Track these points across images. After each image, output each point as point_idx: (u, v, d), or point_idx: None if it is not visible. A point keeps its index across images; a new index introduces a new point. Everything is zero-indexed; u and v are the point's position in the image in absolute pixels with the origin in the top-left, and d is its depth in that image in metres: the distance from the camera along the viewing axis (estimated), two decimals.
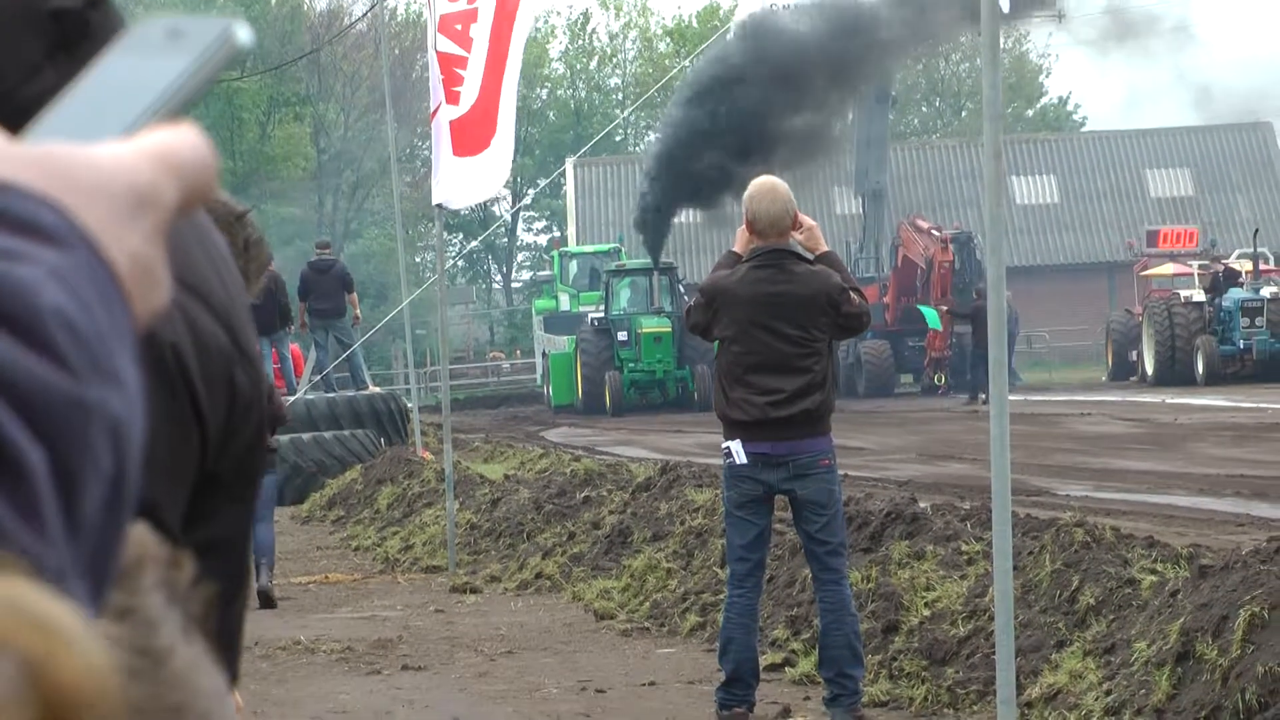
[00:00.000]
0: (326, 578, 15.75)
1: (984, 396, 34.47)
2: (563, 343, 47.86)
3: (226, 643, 1.51)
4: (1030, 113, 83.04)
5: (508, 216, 76.65)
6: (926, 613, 9.91)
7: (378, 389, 26.37)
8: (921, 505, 11.95)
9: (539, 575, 14.34)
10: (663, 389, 44.82)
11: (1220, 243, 54.12)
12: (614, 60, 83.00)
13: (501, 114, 14.36)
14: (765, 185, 8.73)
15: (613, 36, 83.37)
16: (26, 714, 0.66)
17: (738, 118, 40.31)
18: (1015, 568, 8.35)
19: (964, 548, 10.70)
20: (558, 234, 72.81)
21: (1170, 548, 9.59)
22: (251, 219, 2.22)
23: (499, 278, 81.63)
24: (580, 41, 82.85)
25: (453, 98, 14.52)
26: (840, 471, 9.15)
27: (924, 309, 46.32)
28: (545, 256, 66.43)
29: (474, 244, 70.70)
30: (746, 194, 8.70)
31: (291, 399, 23.19)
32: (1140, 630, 8.24)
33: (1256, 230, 50.63)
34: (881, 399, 44.72)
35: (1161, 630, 7.98)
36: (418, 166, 68.11)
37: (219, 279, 1.50)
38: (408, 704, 10.16)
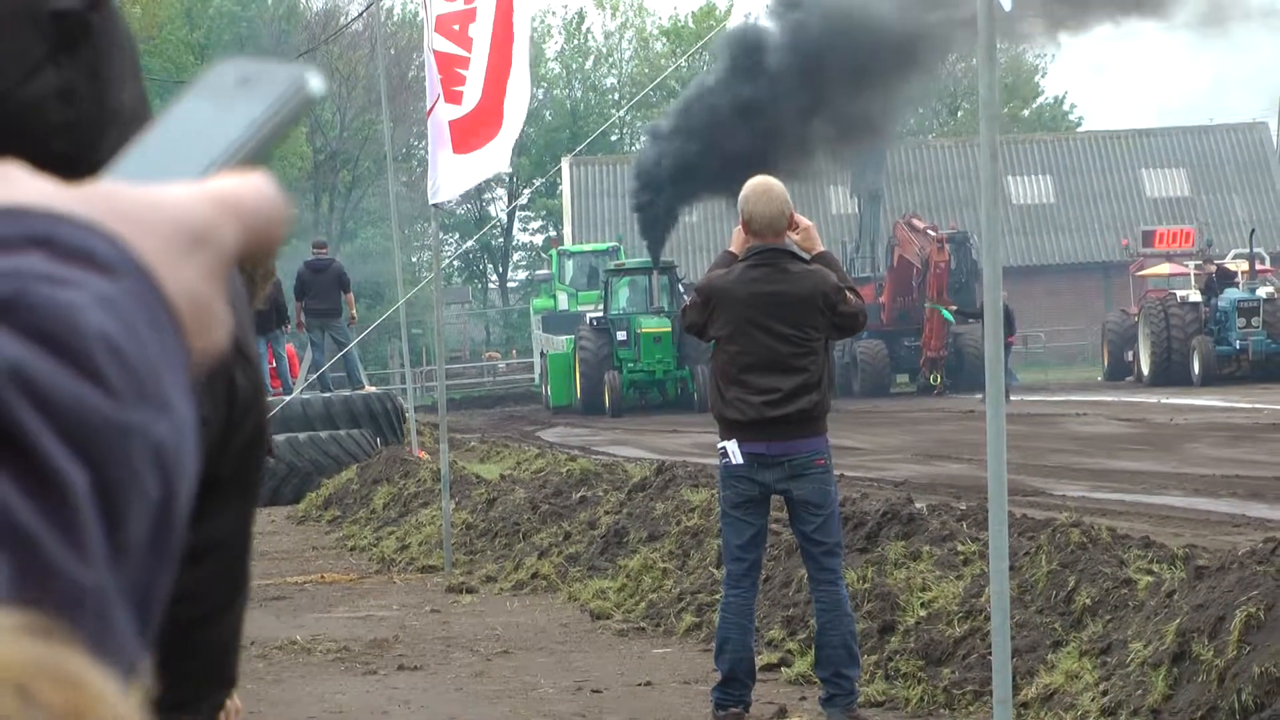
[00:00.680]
0: (322, 577, 15.75)
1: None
2: (561, 342, 47.47)
3: (226, 644, 1.51)
4: (1026, 113, 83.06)
5: (503, 216, 76.78)
6: (922, 613, 9.91)
7: (373, 389, 26.33)
8: (917, 505, 11.95)
9: (535, 575, 14.33)
10: (662, 389, 44.52)
11: (1216, 243, 54.17)
12: (610, 60, 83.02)
13: (508, 113, 14.32)
14: (761, 185, 8.70)
15: (608, 36, 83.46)
16: None
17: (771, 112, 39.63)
18: (1011, 568, 8.35)
19: (960, 548, 10.70)
20: (554, 233, 72.78)
21: (1166, 548, 9.60)
22: None
23: (495, 277, 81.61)
24: (576, 41, 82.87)
25: (454, 97, 14.48)
26: (836, 471, 9.15)
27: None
28: (542, 255, 66.31)
29: (470, 243, 70.69)
30: (742, 194, 8.67)
31: (287, 399, 23.20)
32: (1136, 631, 8.24)
33: (1253, 230, 50.66)
34: (877, 399, 44.69)
35: (1158, 631, 7.98)
36: (414, 166, 68.15)
37: None
38: (404, 704, 10.16)
